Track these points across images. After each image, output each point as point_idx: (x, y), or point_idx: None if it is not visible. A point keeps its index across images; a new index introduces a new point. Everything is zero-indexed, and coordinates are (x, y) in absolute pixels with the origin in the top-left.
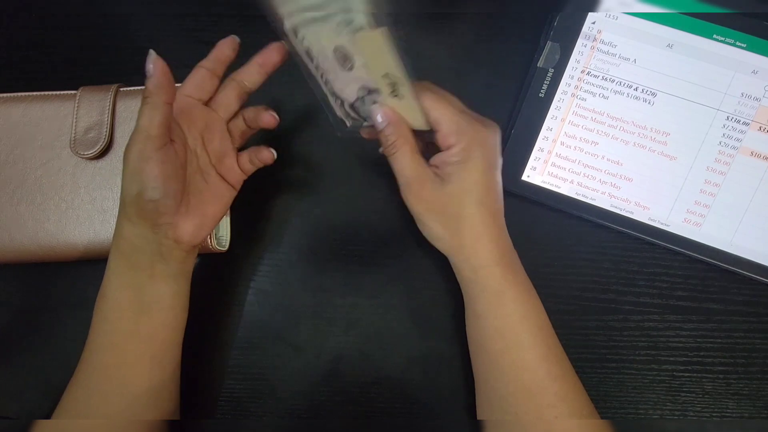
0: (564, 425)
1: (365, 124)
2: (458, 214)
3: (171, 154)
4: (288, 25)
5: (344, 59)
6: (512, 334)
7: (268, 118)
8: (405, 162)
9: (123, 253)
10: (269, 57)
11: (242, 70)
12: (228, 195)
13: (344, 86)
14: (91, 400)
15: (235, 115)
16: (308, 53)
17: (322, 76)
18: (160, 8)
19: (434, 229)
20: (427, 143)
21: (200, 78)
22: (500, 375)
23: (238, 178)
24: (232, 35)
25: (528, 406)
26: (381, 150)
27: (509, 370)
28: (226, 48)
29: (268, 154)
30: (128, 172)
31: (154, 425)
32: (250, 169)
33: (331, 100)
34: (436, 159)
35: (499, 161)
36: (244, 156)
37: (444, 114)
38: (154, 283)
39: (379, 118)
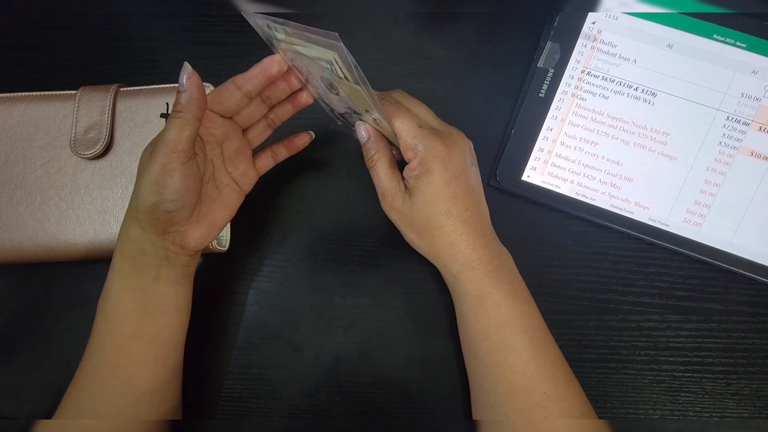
0: (554, 425)
1: (353, 128)
2: (427, 225)
3: (193, 168)
4: (278, 47)
5: (331, 86)
6: (496, 337)
7: (304, 138)
8: (381, 174)
9: (128, 256)
10: (301, 102)
11: (277, 108)
12: (237, 201)
13: (334, 103)
14: (93, 400)
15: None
16: (299, 69)
17: (313, 87)
18: (161, 8)
19: (411, 238)
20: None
21: (229, 94)
22: (488, 376)
23: (251, 180)
24: (279, 57)
25: (516, 406)
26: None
27: (496, 371)
28: (269, 70)
29: (306, 137)
30: (149, 182)
31: (155, 425)
32: (269, 165)
33: (322, 104)
34: (404, 172)
35: (468, 169)
36: (266, 155)
37: (402, 128)
38: (159, 285)
39: (362, 133)
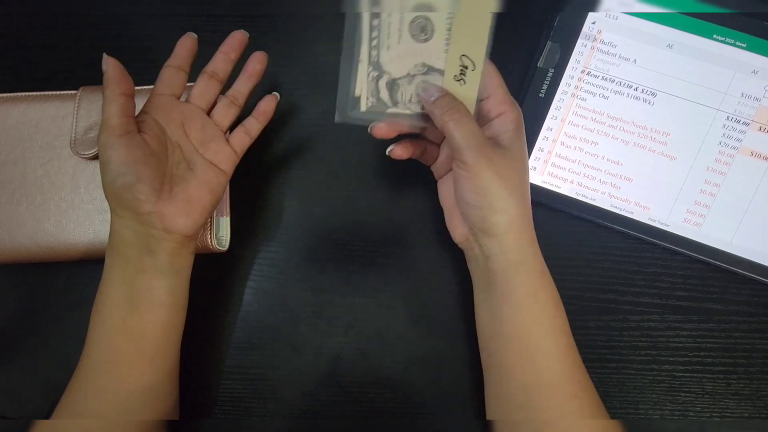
0: (581, 425)
1: (388, 110)
2: (522, 180)
3: (137, 141)
4: None
5: (421, 30)
6: (550, 319)
7: (270, 100)
8: (470, 124)
9: (114, 248)
10: (232, 46)
11: (211, 62)
12: (216, 180)
13: (399, 59)
14: (87, 398)
15: (215, 103)
16: (372, 14)
17: (371, 43)
18: (160, 8)
19: (500, 197)
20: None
21: (168, 75)
22: (531, 366)
23: (228, 159)
24: (189, 32)
25: (556, 398)
26: (388, 151)
27: (543, 357)
28: (186, 43)
29: (271, 99)
30: (101, 164)
31: (152, 425)
32: (244, 141)
33: (363, 73)
34: (490, 129)
35: None
36: (238, 131)
37: (501, 84)
38: (144, 278)
39: (434, 91)
